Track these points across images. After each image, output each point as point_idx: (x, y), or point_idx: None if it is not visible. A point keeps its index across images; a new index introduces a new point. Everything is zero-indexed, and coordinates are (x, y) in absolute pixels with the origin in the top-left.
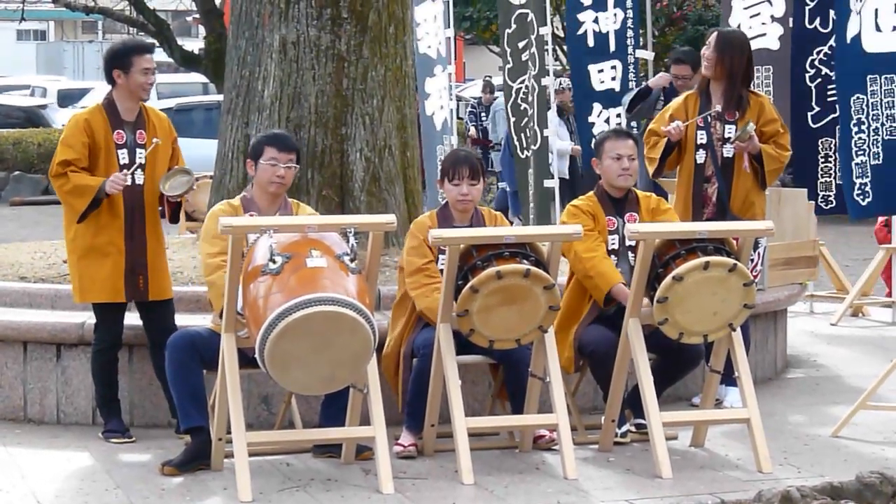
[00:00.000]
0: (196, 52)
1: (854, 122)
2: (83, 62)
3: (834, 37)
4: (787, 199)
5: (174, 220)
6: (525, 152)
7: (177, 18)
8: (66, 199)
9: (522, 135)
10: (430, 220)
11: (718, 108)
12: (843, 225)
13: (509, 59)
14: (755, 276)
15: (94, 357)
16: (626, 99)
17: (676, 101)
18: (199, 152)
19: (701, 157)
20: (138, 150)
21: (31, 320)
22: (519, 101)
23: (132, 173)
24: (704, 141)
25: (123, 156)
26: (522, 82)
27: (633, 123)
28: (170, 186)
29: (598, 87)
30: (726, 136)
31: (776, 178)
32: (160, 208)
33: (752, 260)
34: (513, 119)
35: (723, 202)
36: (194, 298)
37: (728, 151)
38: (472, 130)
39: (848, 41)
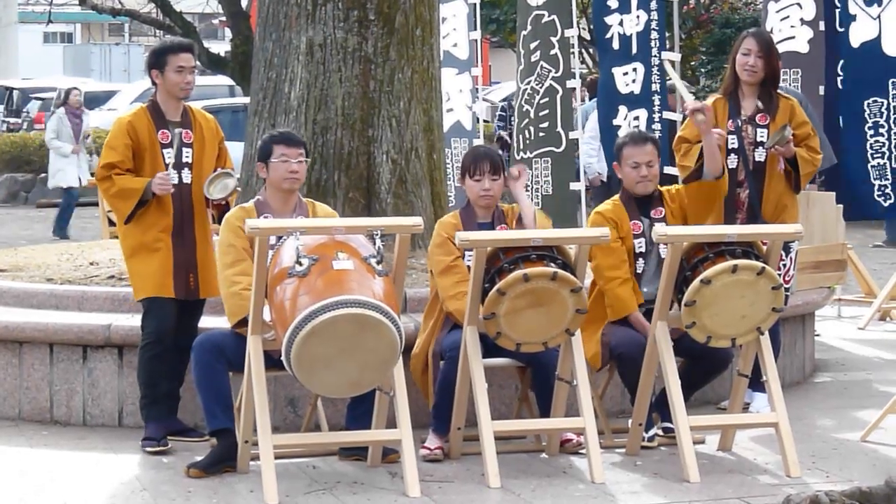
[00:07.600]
0: (223, 54)
1: (869, 125)
2: (110, 64)
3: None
4: (816, 202)
5: (220, 221)
6: (523, 153)
7: (203, 21)
8: (112, 202)
9: (521, 136)
10: (455, 219)
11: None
12: (872, 228)
13: (521, 60)
14: (787, 281)
15: (142, 351)
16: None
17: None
18: None
19: (733, 161)
20: (185, 150)
21: (58, 322)
22: (523, 102)
23: (172, 168)
24: (736, 146)
25: (169, 155)
26: (528, 83)
27: (657, 126)
28: (213, 190)
29: (622, 89)
30: (758, 139)
31: (808, 181)
32: (208, 209)
33: (785, 264)
34: (515, 120)
35: (754, 207)
36: (221, 301)
37: (759, 155)
38: (503, 135)
39: (856, 45)
